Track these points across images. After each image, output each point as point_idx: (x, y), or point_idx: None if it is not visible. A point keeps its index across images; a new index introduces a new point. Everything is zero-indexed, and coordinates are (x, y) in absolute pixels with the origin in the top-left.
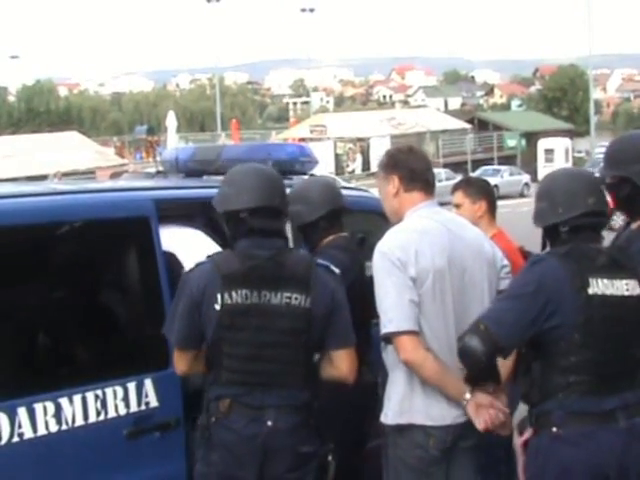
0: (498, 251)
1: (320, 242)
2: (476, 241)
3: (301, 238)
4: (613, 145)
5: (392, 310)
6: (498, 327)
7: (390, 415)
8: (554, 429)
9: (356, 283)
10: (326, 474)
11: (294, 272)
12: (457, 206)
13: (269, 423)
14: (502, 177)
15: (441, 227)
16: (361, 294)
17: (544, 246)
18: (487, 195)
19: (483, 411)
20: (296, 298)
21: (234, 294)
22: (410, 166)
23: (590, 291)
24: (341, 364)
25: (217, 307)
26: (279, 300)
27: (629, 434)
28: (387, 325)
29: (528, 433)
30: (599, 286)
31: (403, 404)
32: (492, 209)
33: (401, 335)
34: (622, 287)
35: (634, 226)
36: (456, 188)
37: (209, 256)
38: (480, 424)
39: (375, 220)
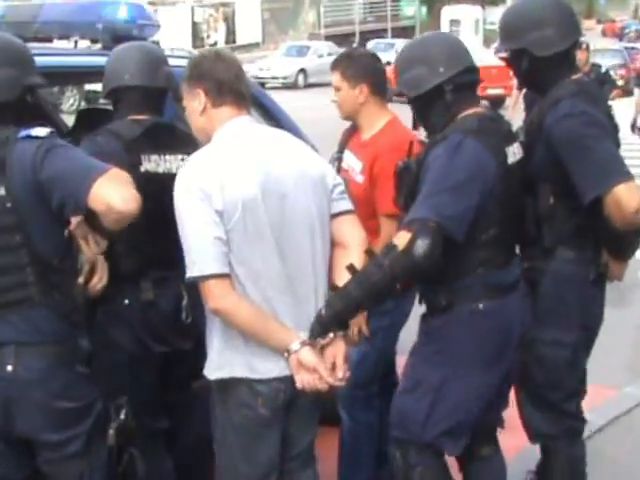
0: (329, 169)
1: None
2: (298, 160)
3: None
4: (506, 15)
5: (195, 251)
6: (449, 221)
7: (211, 369)
8: (474, 304)
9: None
10: (105, 434)
11: None
12: (337, 89)
13: (8, 368)
14: (397, 52)
15: (253, 147)
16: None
17: (415, 125)
18: (371, 75)
19: (303, 371)
20: None
21: None
22: (217, 76)
23: (509, 161)
24: (98, 200)
25: None
26: None
27: (523, 297)
28: (191, 268)
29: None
30: (509, 155)
31: (222, 356)
32: (379, 91)
33: (207, 280)
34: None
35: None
36: (334, 66)
37: None
38: (297, 383)
39: None
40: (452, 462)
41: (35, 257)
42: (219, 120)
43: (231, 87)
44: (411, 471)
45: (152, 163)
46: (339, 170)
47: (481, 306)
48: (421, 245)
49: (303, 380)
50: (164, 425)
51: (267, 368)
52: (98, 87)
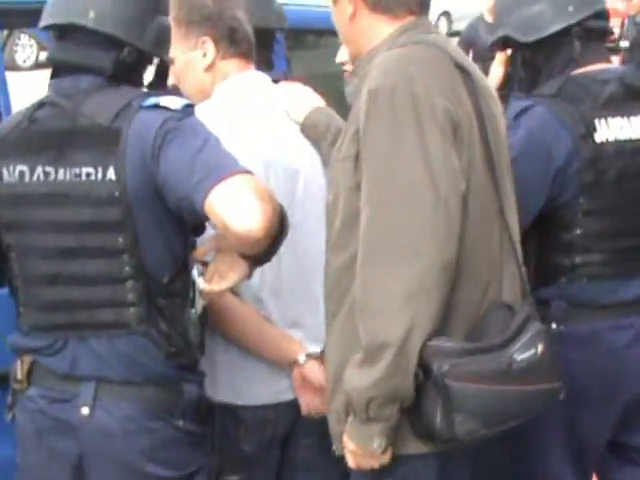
0: None
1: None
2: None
3: None
4: None
5: None
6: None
7: None
8: (553, 325)
9: None
10: None
11: (93, 126)
12: None
13: (84, 411)
14: None
15: (264, 111)
16: None
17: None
18: None
19: (309, 392)
20: (88, 174)
21: (5, 172)
22: (230, 20)
23: (598, 138)
24: (212, 213)
25: None
26: (67, 176)
27: None
28: None
29: None
30: (610, 128)
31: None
32: None
33: None
34: None
35: None
36: None
37: None
38: (302, 407)
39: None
40: None
41: (139, 269)
42: (224, 76)
43: (246, 34)
44: None
45: None
46: None
47: (562, 329)
48: None
49: (309, 403)
50: None
51: (253, 391)
52: None
